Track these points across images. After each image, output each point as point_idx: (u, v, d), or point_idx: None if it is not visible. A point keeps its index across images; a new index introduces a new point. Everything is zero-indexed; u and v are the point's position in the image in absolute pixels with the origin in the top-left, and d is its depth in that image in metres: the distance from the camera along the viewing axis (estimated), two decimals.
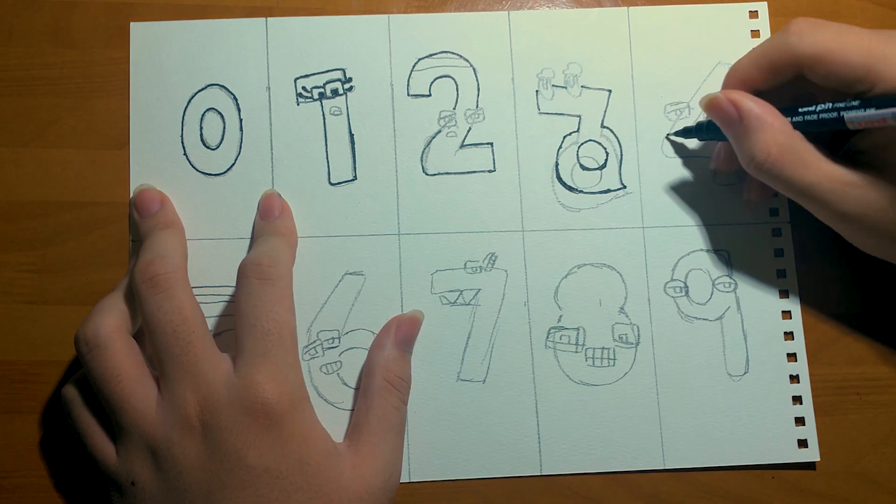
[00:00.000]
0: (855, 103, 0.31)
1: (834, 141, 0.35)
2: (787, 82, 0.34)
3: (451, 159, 0.38)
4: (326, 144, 0.38)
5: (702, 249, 0.38)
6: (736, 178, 0.38)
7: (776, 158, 0.32)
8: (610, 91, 0.39)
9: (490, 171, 0.38)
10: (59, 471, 0.36)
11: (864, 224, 0.33)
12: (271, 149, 0.38)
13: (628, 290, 0.37)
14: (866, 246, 0.34)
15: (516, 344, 0.37)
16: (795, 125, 0.33)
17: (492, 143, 0.38)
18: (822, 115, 0.32)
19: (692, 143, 0.38)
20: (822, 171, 0.32)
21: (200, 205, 0.37)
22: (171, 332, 0.31)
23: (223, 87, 0.38)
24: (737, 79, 0.35)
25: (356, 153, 0.38)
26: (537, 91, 0.38)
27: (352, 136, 0.38)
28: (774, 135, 0.33)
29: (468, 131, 0.38)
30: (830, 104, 0.32)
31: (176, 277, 0.32)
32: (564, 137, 0.38)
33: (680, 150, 0.38)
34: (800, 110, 0.33)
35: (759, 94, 0.34)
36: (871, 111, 0.31)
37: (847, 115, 0.32)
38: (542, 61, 0.39)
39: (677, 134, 0.38)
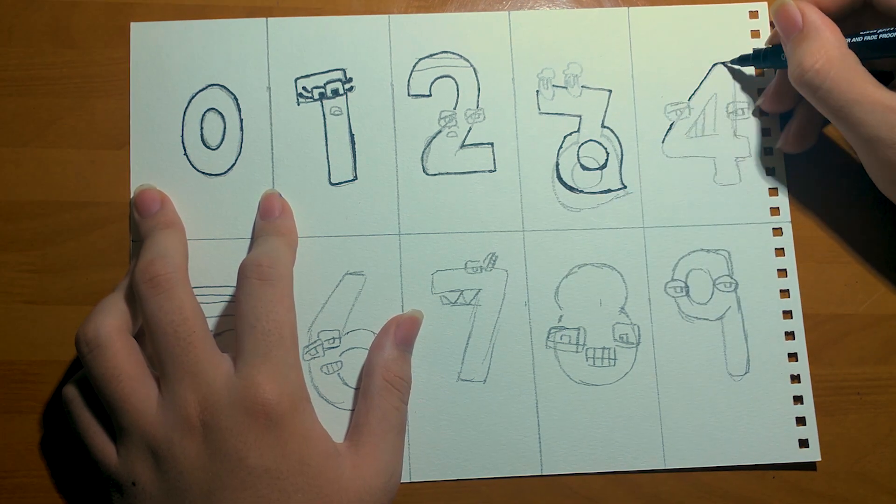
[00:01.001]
0: None
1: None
2: (852, 10, 0.35)
3: (452, 159, 0.38)
4: (327, 144, 0.38)
5: (702, 249, 0.38)
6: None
7: (823, 68, 0.33)
8: (610, 91, 0.39)
9: (490, 171, 0.38)
10: (59, 471, 0.36)
11: (893, 152, 0.33)
12: (272, 149, 0.38)
13: (629, 290, 0.37)
14: (884, 181, 0.35)
15: (517, 344, 0.37)
16: (854, 46, 0.34)
17: (492, 143, 0.38)
18: (881, 36, 0.33)
19: (693, 144, 0.38)
20: (866, 91, 0.33)
21: (201, 205, 0.37)
22: (171, 332, 0.31)
23: (223, 87, 0.38)
24: None
25: (356, 153, 0.38)
26: (538, 91, 0.38)
27: (352, 136, 0.38)
28: (827, 46, 0.33)
29: (469, 131, 0.38)
30: (892, 28, 0.33)
31: (176, 277, 0.32)
32: (565, 137, 0.38)
33: (681, 150, 0.38)
34: (860, 32, 0.34)
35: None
36: None
37: None
38: (543, 61, 0.39)
39: (734, 62, 0.38)
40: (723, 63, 0.39)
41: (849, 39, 0.34)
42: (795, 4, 0.35)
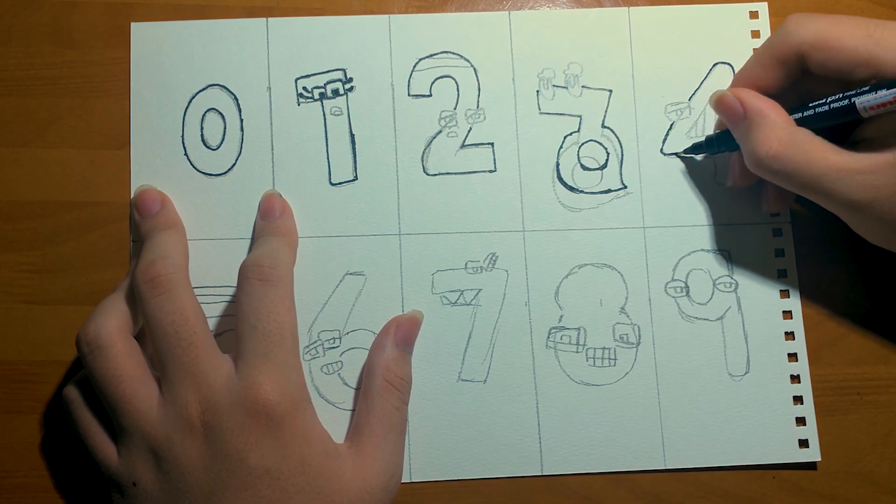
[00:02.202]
0: (865, 88, 0.31)
1: (836, 139, 0.35)
2: (791, 82, 0.34)
3: (452, 159, 0.38)
4: (327, 144, 0.38)
5: (703, 249, 0.38)
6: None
7: (777, 153, 0.33)
8: (610, 91, 0.39)
9: (491, 172, 0.38)
10: (59, 471, 0.36)
11: (873, 212, 0.32)
12: (272, 149, 0.38)
13: (629, 290, 0.37)
14: (876, 236, 0.34)
15: (517, 344, 0.37)
16: (806, 120, 0.33)
17: (492, 144, 0.38)
18: (832, 105, 0.32)
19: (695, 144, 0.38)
20: (827, 162, 0.32)
21: (201, 205, 0.37)
22: (172, 332, 0.31)
23: (224, 87, 0.38)
24: (742, 81, 0.35)
25: (357, 153, 0.38)
26: (538, 91, 0.38)
27: (352, 136, 0.38)
28: (776, 130, 0.33)
29: (469, 131, 0.38)
30: (840, 94, 0.32)
31: (177, 278, 0.32)
32: (565, 137, 0.38)
33: (681, 149, 0.38)
34: (810, 105, 0.33)
35: (768, 97, 0.34)
36: (883, 92, 0.31)
37: (859, 100, 0.31)
38: (543, 61, 0.39)
39: (687, 151, 0.38)
40: (675, 153, 0.38)
41: (800, 114, 0.33)
42: (733, 93, 0.34)
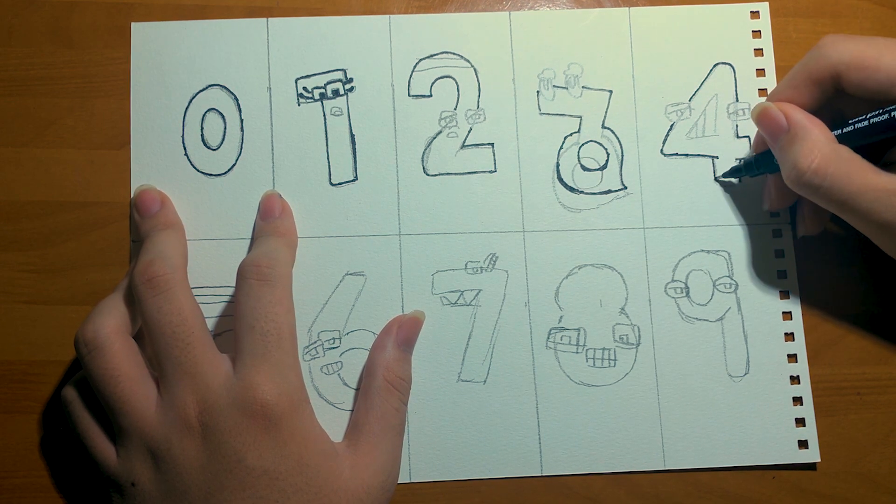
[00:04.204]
0: None
1: (872, 158, 0.35)
2: (824, 103, 0.34)
3: (452, 160, 0.38)
4: (327, 145, 0.38)
5: (702, 250, 0.38)
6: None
7: (819, 167, 0.32)
8: (611, 91, 0.39)
9: (491, 172, 0.38)
10: (59, 471, 0.36)
11: None
12: (272, 149, 0.38)
13: (629, 291, 0.37)
14: None
15: (517, 344, 0.37)
16: (845, 137, 0.33)
17: (493, 144, 0.38)
18: (872, 121, 0.33)
19: (694, 145, 0.38)
20: (865, 180, 0.32)
21: (201, 205, 0.37)
22: (170, 333, 0.31)
23: (224, 87, 0.38)
24: (776, 100, 0.35)
25: (357, 153, 0.38)
26: (538, 91, 0.38)
27: (353, 136, 0.38)
28: (819, 144, 0.33)
29: (469, 132, 0.38)
30: (880, 109, 0.32)
31: (176, 278, 0.32)
32: (565, 138, 0.38)
33: (681, 150, 0.38)
34: (849, 122, 0.33)
35: None
36: None
37: None
38: (543, 62, 0.39)
39: (726, 175, 0.38)
40: (716, 178, 0.38)
41: (840, 131, 0.33)
42: (777, 107, 0.34)
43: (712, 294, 0.37)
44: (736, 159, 0.38)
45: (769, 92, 0.38)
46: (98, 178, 0.38)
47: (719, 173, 0.38)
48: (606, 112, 0.38)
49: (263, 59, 0.38)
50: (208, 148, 0.38)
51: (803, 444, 0.36)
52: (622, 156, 0.38)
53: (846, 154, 0.33)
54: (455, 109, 0.38)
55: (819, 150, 0.33)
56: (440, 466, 0.36)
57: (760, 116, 0.35)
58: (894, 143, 0.34)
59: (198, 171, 0.38)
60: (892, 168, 0.33)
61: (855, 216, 0.33)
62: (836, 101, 0.35)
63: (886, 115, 0.32)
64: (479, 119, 0.38)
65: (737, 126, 0.38)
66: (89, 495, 0.36)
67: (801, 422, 0.37)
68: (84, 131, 0.38)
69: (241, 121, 0.38)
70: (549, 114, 0.38)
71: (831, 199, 0.33)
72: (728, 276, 0.37)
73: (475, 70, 0.38)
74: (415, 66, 0.38)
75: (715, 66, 0.39)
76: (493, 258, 0.37)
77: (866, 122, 0.33)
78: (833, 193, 0.32)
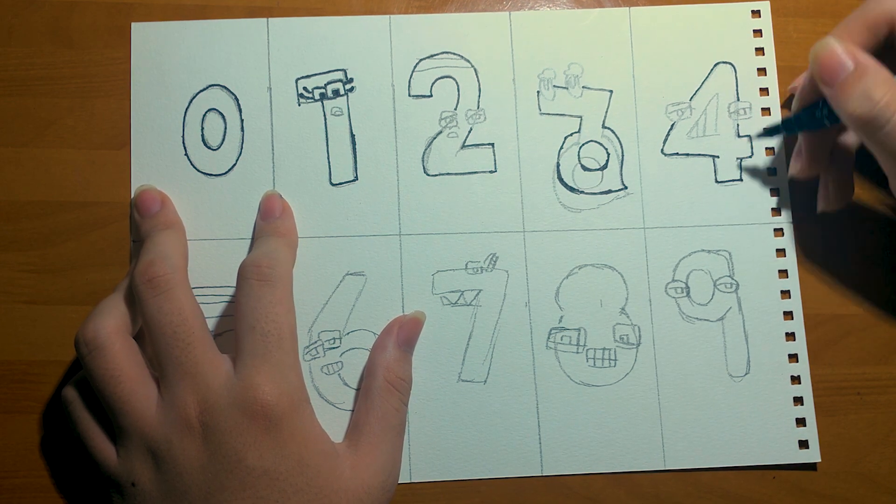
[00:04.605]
0: None
1: None
2: (873, 53, 0.33)
3: (453, 160, 0.38)
4: (328, 145, 0.38)
5: (703, 250, 0.38)
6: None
7: (892, 102, 0.31)
8: (611, 91, 0.38)
9: (491, 172, 0.38)
10: (59, 471, 0.36)
11: None
12: (272, 149, 0.38)
13: (629, 291, 0.37)
14: None
15: (517, 345, 0.37)
16: None
17: (493, 144, 0.38)
18: None
19: (694, 144, 0.38)
20: None
21: (201, 205, 0.37)
22: (171, 333, 0.31)
23: (224, 87, 0.38)
24: None
25: (357, 153, 0.38)
26: (538, 91, 0.38)
27: (353, 136, 0.38)
28: (892, 81, 0.32)
29: (469, 132, 0.38)
30: None
31: (176, 278, 0.32)
32: (566, 138, 0.38)
33: (681, 150, 0.38)
34: None
35: None
36: None
37: None
38: (543, 62, 0.39)
39: (765, 133, 0.38)
40: (756, 135, 0.38)
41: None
42: (843, 46, 0.33)
43: (713, 294, 0.37)
44: (778, 123, 0.37)
45: (775, 87, 0.38)
46: (98, 178, 0.38)
47: (759, 131, 0.38)
48: (607, 112, 0.38)
49: (263, 59, 0.38)
50: (208, 148, 0.38)
51: (804, 444, 0.36)
52: (622, 156, 0.38)
53: None
54: (455, 109, 0.38)
55: (892, 87, 0.32)
56: (440, 466, 0.36)
57: (821, 53, 0.33)
58: None
59: (198, 171, 0.38)
60: None
61: None
62: (885, 57, 0.34)
63: None
64: (480, 119, 0.38)
65: (738, 125, 0.38)
66: (89, 495, 0.36)
67: (801, 422, 0.37)
68: (84, 131, 0.38)
69: (242, 121, 0.38)
70: (549, 114, 0.38)
71: (892, 140, 0.31)
72: (729, 276, 0.37)
73: (475, 70, 0.38)
74: (415, 66, 0.38)
75: (716, 65, 0.39)
76: (494, 258, 0.37)
77: None
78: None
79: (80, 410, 0.33)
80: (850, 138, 0.37)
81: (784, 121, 0.37)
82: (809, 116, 0.35)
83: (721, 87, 0.39)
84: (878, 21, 0.33)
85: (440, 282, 0.37)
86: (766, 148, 0.38)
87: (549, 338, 0.37)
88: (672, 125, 0.38)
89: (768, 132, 0.38)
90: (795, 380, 0.37)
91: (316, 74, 0.38)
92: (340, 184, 0.38)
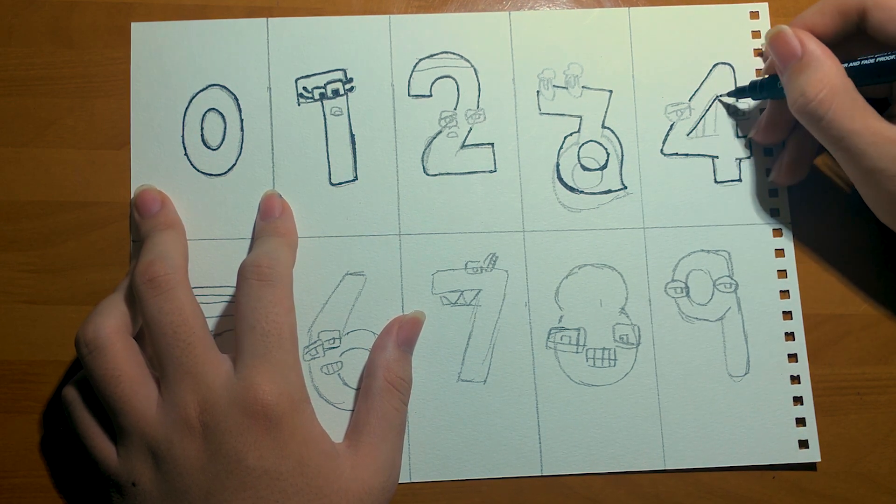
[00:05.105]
0: None
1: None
2: (843, 38, 0.35)
3: (452, 160, 0.38)
4: (327, 145, 0.38)
5: (702, 250, 0.38)
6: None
7: (826, 98, 0.33)
8: (611, 91, 0.39)
9: (491, 172, 0.38)
10: (59, 471, 0.36)
11: (892, 183, 0.32)
12: (272, 149, 0.38)
13: (629, 291, 0.37)
14: (886, 212, 0.34)
15: (517, 344, 0.37)
16: (850, 71, 0.33)
17: (493, 144, 0.38)
18: (879, 59, 0.33)
19: (694, 144, 0.38)
20: (866, 122, 0.32)
21: (201, 205, 0.37)
22: (171, 333, 0.31)
23: (224, 87, 0.38)
24: (801, 25, 0.35)
25: (357, 153, 0.38)
26: (538, 91, 0.38)
27: (353, 136, 0.38)
28: (830, 76, 0.33)
29: (469, 132, 0.38)
30: (890, 52, 0.33)
31: (176, 278, 0.32)
32: (565, 138, 0.38)
33: (681, 150, 0.38)
34: (858, 58, 0.34)
35: None
36: None
37: None
38: (543, 62, 0.39)
39: (730, 94, 0.38)
40: (718, 97, 0.38)
41: (846, 65, 0.34)
42: (794, 32, 0.34)
43: (712, 294, 0.37)
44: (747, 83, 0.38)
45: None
46: (98, 178, 0.38)
47: (729, 91, 0.38)
48: (606, 112, 0.38)
49: (263, 59, 0.38)
50: (208, 148, 0.38)
51: (803, 443, 0.36)
52: (622, 156, 0.38)
53: (854, 93, 0.33)
54: (455, 109, 0.38)
55: (829, 82, 0.33)
56: (440, 466, 0.36)
57: (774, 39, 0.35)
58: None
59: (198, 171, 0.38)
60: (894, 121, 0.33)
61: (846, 155, 0.33)
62: (853, 43, 0.35)
63: (893, 56, 0.32)
64: (479, 119, 0.38)
65: (737, 126, 0.38)
66: (89, 495, 0.36)
67: (801, 421, 0.37)
68: (84, 131, 0.38)
69: (241, 121, 0.38)
70: (549, 114, 0.38)
71: (829, 132, 0.33)
72: (728, 276, 0.37)
73: (475, 70, 0.38)
74: (415, 66, 0.38)
75: (715, 66, 0.39)
76: (493, 258, 0.37)
77: (872, 61, 0.33)
78: (833, 127, 0.33)
79: (81, 410, 0.33)
80: None
81: (751, 83, 0.37)
82: (772, 85, 0.36)
83: (720, 88, 0.39)
84: (850, 6, 0.34)
85: (440, 282, 0.37)
86: (765, 149, 0.38)
87: (548, 337, 0.37)
88: (671, 125, 0.38)
89: (735, 93, 0.38)
90: (795, 379, 0.37)
91: (316, 74, 0.38)
92: (340, 184, 0.38)
